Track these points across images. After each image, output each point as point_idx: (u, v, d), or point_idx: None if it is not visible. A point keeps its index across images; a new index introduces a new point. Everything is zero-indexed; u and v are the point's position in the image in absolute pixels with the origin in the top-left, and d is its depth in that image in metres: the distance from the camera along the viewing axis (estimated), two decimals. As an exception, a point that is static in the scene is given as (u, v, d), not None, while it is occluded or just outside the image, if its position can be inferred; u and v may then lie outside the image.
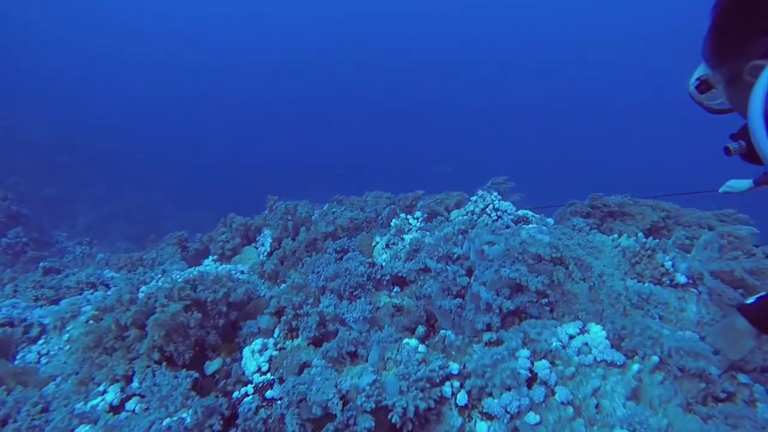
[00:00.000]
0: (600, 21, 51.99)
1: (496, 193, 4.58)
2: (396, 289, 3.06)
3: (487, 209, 4.43)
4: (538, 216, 5.20)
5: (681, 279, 3.24)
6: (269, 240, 4.97)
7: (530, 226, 4.32)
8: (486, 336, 2.51)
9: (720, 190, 3.39)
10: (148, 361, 3.04)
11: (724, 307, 3.05)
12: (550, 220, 5.15)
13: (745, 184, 3.19)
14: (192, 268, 5.23)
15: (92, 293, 5.37)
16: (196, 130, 41.82)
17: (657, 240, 3.36)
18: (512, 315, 2.69)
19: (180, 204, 20.09)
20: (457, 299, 2.70)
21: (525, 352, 2.42)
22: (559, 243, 3.05)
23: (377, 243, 3.92)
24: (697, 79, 1.65)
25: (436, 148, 42.86)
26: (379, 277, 2.97)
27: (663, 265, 3.26)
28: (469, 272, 3.12)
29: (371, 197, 7.20)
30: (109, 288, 5.60)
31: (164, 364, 3.01)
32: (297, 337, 2.83)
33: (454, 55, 55.67)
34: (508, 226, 4.55)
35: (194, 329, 3.41)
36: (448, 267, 3.11)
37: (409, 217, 4.47)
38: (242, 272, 5.14)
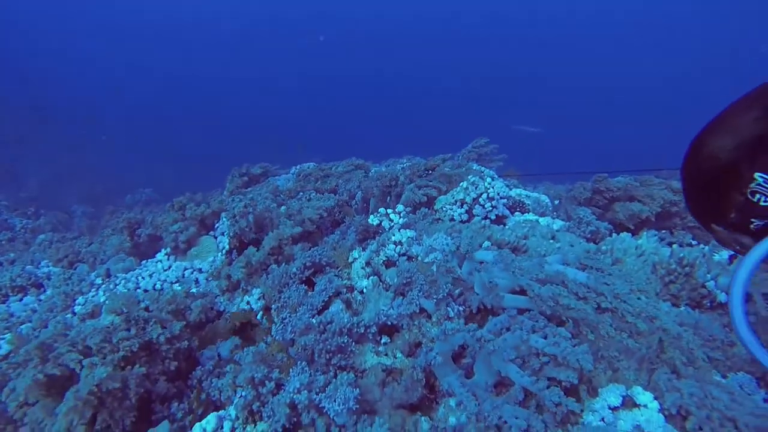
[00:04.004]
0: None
1: (489, 178, 3.75)
2: (384, 339, 2.29)
3: (480, 199, 3.61)
4: (532, 196, 4.43)
5: (723, 297, 2.58)
6: (227, 236, 4.04)
7: (543, 221, 3.56)
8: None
9: None
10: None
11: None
12: (544, 198, 4.40)
13: None
14: (137, 276, 4.27)
15: (20, 299, 4.38)
16: (166, 89, 38.50)
17: (696, 253, 2.64)
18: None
19: (141, 159, 18.38)
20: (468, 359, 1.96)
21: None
22: (600, 285, 2.27)
23: (355, 259, 3.08)
24: None
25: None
26: (362, 331, 2.17)
27: (704, 286, 2.57)
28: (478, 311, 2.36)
29: (342, 168, 6.21)
30: (42, 289, 4.61)
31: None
32: (260, 419, 2.04)
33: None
34: (504, 216, 3.78)
35: (136, 386, 2.58)
36: (449, 309, 2.33)
37: (390, 212, 3.61)
38: (200, 271, 4.24)
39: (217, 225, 4.95)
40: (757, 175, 0.92)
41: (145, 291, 3.95)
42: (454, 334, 1.99)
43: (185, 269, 4.14)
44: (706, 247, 3.57)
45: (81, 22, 40.39)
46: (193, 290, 3.72)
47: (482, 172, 4.33)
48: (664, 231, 3.72)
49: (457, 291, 2.41)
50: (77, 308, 3.95)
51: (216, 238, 4.79)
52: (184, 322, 3.06)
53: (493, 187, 3.62)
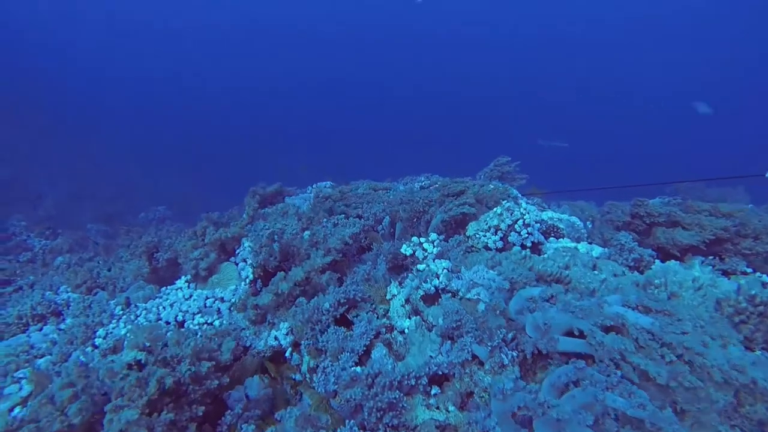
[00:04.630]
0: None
1: (523, 202, 3.57)
2: (434, 390, 2.10)
3: (516, 226, 3.43)
4: (564, 218, 4.24)
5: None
6: (251, 265, 3.88)
7: (582, 247, 3.37)
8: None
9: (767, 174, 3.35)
10: None
11: None
12: (577, 221, 4.20)
13: None
14: (158, 306, 4.11)
15: (40, 329, 4.25)
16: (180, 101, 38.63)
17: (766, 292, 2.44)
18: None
19: (153, 175, 18.40)
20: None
21: None
22: (667, 334, 2.07)
23: (393, 296, 2.90)
24: None
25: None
26: (413, 383, 1.99)
27: (778, 326, 2.36)
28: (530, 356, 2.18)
29: (362, 189, 6.04)
30: (62, 318, 4.48)
31: None
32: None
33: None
34: (540, 243, 3.59)
35: (160, 434, 2.41)
36: (502, 356, 2.14)
37: (423, 241, 3.44)
38: (221, 300, 4.08)
39: (238, 251, 4.81)
40: None
41: (167, 323, 3.80)
42: (513, 394, 1.80)
43: (207, 298, 3.99)
44: (764, 276, 3.35)
45: (80, 24, 40.52)
46: (215, 322, 3.55)
47: (517, 197, 4.16)
48: (712, 257, 3.51)
49: (510, 335, 2.22)
50: (98, 341, 3.81)
51: (237, 264, 4.64)
52: (214, 363, 2.89)
53: (528, 213, 3.44)
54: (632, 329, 2.12)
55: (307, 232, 4.49)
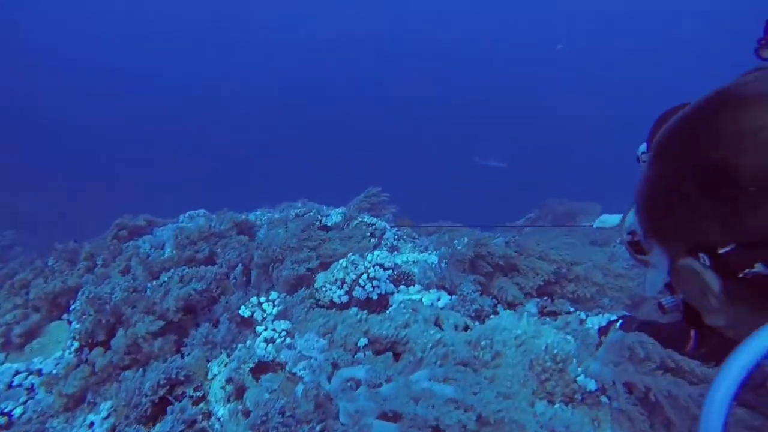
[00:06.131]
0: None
1: (370, 255, 3.54)
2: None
3: (360, 280, 3.37)
4: (421, 260, 4.30)
5: (591, 385, 2.58)
6: (74, 333, 3.40)
7: (428, 298, 3.40)
8: None
9: (594, 225, 3.42)
10: None
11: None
12: (434, 260, 4.28)
13: (615, 219, 3.13)
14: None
15: None
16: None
17: (570, 347, 2.62)
18: None
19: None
20: None
21: None
22: (468, 396, 2.10)
23: (214, 376, 2.66)
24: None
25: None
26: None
27: (576, 381, 2.54)
28: None
29: (225, 225, 5.64)
30: None
31: None
32: None
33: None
34: (389, 294, 3.57)
35: None
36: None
37: (262, 300, 3.24)
38: (39, 373, 3.51)
39: (72, 306, 4.21)
40: None
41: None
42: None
43: (16, 374, 3.40)
44: (582, 313, 3.66)
45: None
46: (17, 410, 3.01)
47: (385, 229, 4.17)
48: (546, 297, 3.76)
49: (318, 427, 2.11)
50: None
51: (71, 323, 4.06)
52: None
53: (374, 267, 3.40)
54: (438, 400, 2.14)
55: (152, 283, 4.07)
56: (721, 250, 0.66)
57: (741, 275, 0.64)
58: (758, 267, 0.62)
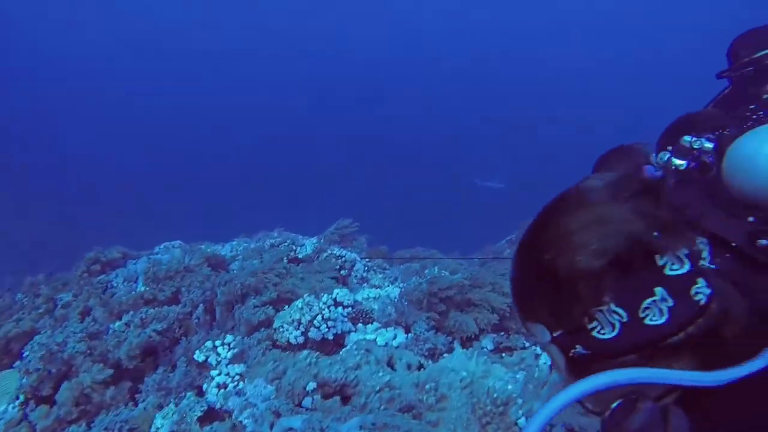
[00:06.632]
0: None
1: (326, 295, 3.56)
2: None
3: (315, 321, 3.39)
4: (383, 295, 4.32)
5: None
6: (19, 387, 3.31)
7: (382, 338, 3.43)
8: None
9: None
10: None
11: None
12: (395, 293, 4.31)
13: None
14: None
15: None
16: None
17: (514, 388, 2.67)
18: None
19: None
20: None
21: None
22: None
23: (157, 429, 2.62)
24: None
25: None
26: None
27: (516, 423, 2.57)
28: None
29: (195, 260, 5.58)
30: None
31: None
32: None
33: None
34: (345, 333, 3.58)
35: None
36: None
37: (218, 343, 3.22)
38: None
39: (25, 353, 4.10)
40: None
41: None
42: None
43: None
44: (538, 348, 3.70)
45: None
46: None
47: (355, 262, 4.21)
48: (502, 333, 3.80)
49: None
50: None
51: (21, 373, 3.95)
52: None
53: (329, 308, 3.43)
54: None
55: (114, 325, 4.01)
56: (555, 334, 0.76)
57: (570, 354, 0.74)
58: (578, 348, 0.72)
